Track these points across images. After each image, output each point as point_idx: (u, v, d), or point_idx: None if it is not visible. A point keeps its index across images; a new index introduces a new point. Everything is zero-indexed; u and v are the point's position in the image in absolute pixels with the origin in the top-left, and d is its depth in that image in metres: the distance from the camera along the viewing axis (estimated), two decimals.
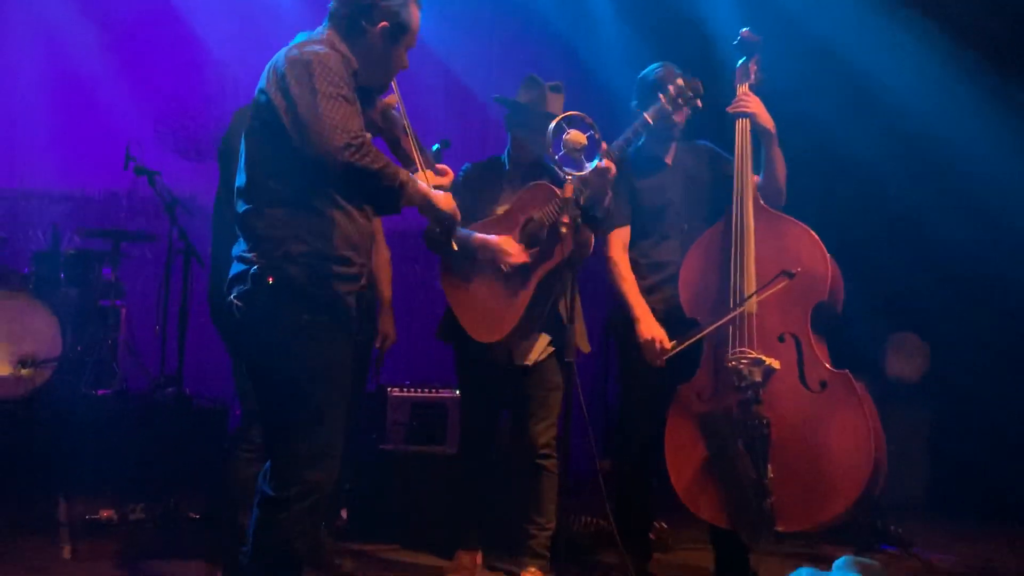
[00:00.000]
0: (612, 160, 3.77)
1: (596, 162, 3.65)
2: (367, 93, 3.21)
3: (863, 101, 6.34)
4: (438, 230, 3.33)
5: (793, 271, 3.78)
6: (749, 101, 4.06)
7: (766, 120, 4.05)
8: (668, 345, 3.99)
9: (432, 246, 4.24)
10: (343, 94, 2.97)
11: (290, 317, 3.00)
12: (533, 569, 4.16)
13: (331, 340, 3.07)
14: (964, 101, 6.02)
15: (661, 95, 3.96)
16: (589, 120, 3.51)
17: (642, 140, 4.07)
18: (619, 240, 4.24)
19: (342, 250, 3.07)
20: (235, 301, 3.06)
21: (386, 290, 4.51)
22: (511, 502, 4.35)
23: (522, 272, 4.06)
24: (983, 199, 6.07)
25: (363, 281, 3.19)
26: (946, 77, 6.02)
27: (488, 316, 4.10)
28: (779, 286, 3.81)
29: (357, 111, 3.02)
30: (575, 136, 3.47)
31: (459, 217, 3.28)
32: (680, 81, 3.98)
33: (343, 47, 3.13)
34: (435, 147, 3.50)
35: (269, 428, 3.18)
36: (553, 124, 3.43)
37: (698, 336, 3.94)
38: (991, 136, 5.97)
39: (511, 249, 4.08)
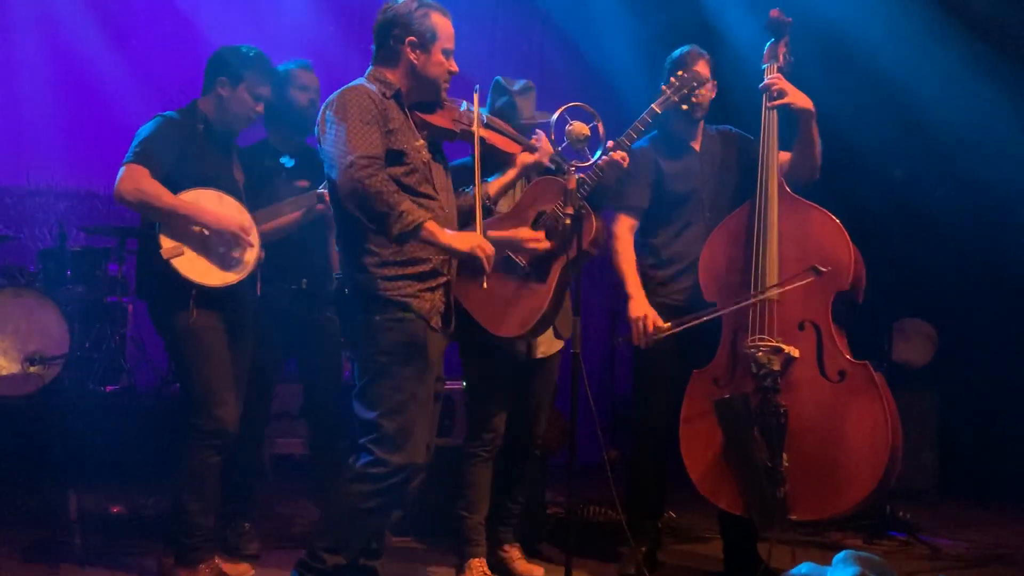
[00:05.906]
0: (624, 150, 3.80)
1: (600, 153, 3.64)
2: (428, 107, 3.47)
3: (867, 86, 6.32)
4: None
5: (822, 269, 3.72)
6: (785, 87, 3.96)
7: (804, 102, 3.97)
8: (661, 324, 3.97)
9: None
10: (363, 119, 3.24)
11: None
12: (517, 544, 4.31)
13: None
14: (974, 88, 6.00)
15: (664, 85, 3.94)
16: (592, 111, 3.50)
17: (656, 125, 3.98)
18: (627, 220, 4.22)
19: None
20: None
21: None
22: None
23: (542, 265, 3.95)
24: (991, 184, 6.04)
25: None
26: (954, 62, 5.99)
27: (510, 312, 3.99)
28: (804, 281, 3.76)
29: (374, 132, 3.24)
30: (578, 128, 3.47)
31: (488, 250, 3.31)
32: (681, 72, 3.93)
33: (387, 75, 3.42)
34: None
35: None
36: (555, 116, 3.43)
37: (695, 322, 3.89)
38: (997, 122, 5.94)
39: (530, 236, 3.94)
